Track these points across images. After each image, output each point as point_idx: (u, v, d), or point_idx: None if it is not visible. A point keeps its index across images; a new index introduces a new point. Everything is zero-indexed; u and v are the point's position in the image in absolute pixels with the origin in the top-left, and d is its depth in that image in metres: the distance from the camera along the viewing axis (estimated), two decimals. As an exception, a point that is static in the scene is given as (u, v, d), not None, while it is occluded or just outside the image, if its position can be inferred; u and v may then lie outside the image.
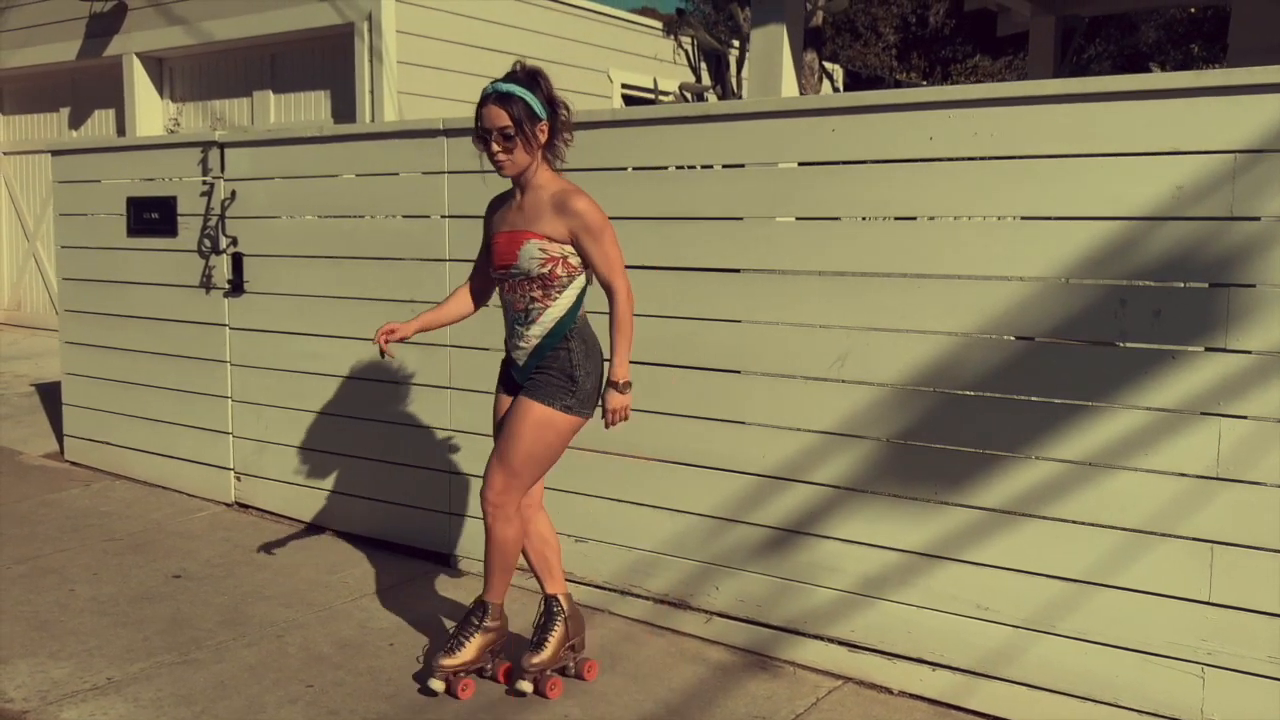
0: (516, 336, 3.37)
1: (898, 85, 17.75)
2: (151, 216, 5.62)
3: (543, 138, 3.26)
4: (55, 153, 6.24)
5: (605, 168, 4.02)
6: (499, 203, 3.47)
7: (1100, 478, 3.11)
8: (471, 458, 4.48)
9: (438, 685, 3.41)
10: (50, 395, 7.57)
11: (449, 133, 4.43)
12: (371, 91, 8.18)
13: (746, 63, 10.31)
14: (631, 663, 3.66)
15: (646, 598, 4.02)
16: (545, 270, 3.26)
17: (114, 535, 4.95)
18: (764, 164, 3.67)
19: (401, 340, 3.50)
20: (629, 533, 4.06)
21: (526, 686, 3.40)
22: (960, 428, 3.33)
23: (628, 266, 3.31)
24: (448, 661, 3.40)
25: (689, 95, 10.06)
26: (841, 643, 3.57)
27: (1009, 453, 3.25)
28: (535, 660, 3.41)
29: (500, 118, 3.20)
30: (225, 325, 5.39)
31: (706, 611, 3.86)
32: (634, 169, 3.99)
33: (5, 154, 11.96)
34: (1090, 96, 3.06)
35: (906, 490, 3.43)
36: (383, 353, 3.48)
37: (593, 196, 3.26)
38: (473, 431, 4.47)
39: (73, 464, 6.22)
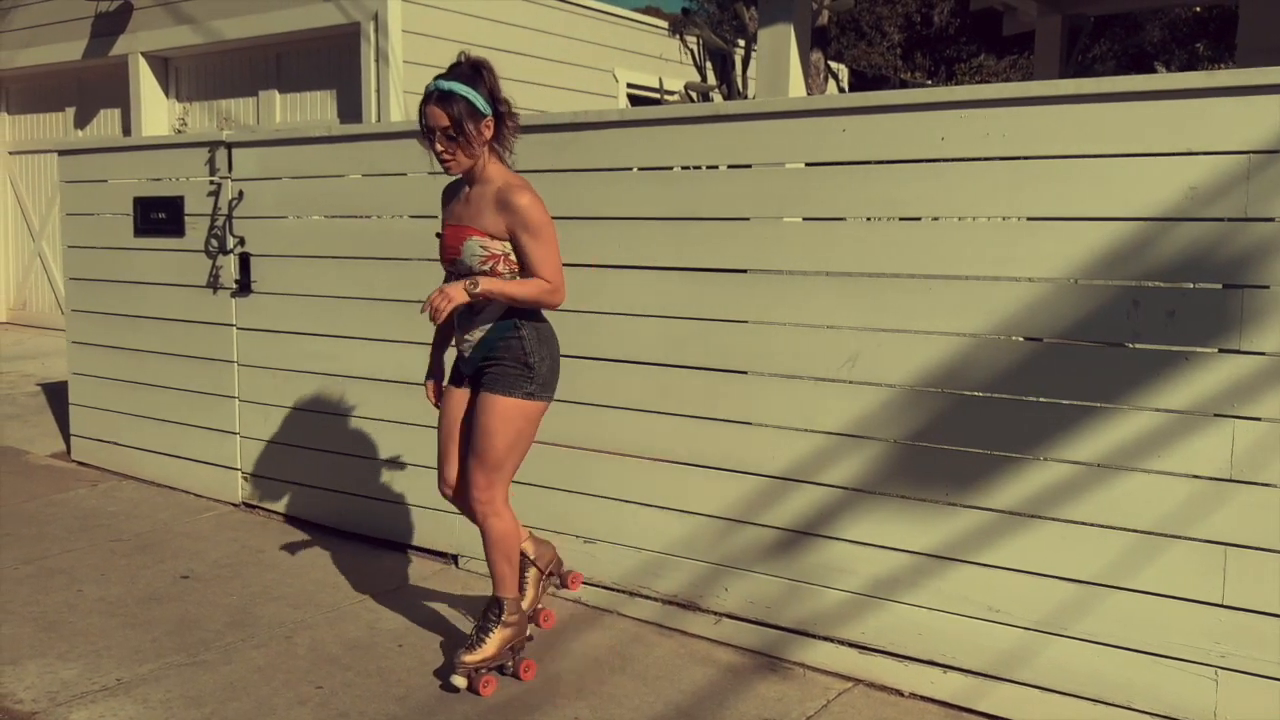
0: (463, 330, 3.40)
1: (903, 85, 17.74)
2: (158, 216, 5.62)
3: (487, 134, 3.28)
4: (62, 152, 6.24)
5: (615, 168, 4.01)
6: (452, 191, 3.50)
7: (1112, 479, 3.10)
8: (479, 458, 4.48)
9: (460, 681, 3.40)
10: (56, 395, 7.57)
11: (457, 133, 4.42)
12: (377, 91, 8.18)
13: (752, 62, 10.30)
14: (641, 664, 3.65)
15: (655, 599, 4.01)
16: (487, 268, 3.28)
17: (121, 535, 4.95)
18: (775, 164, 3.66)
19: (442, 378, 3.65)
20: (637, 534, 4.05)
21: (460, 682, 3.40)
22: (971, 429, 3.32)
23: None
24: (470, 658, 3.40)
25: (694, 95, 10.04)
26: (852, 644, 3.56)
27: (1020, 454, 3.24)
28: (470, 658, 3.40)
29: (441, 118, 3.21)
30: (232, 325, 5.38)
31: (715, 613, 3.85)
32: (640, 169, 3.97)
33: (11, 153, 11.97)
34: (1103, 97, 3.05)
35: (917, 492, 3.42)
36: (437, 405, 3.61)
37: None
38: (481, 432, 4.46)
39: (79, 464, 6.22)
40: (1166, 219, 2.98)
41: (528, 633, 3.55)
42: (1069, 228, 3.13)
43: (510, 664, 3.50)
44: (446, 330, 3.61)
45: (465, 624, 3.96)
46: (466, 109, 3.20)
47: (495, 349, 3.33)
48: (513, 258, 3.29)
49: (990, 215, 3.27)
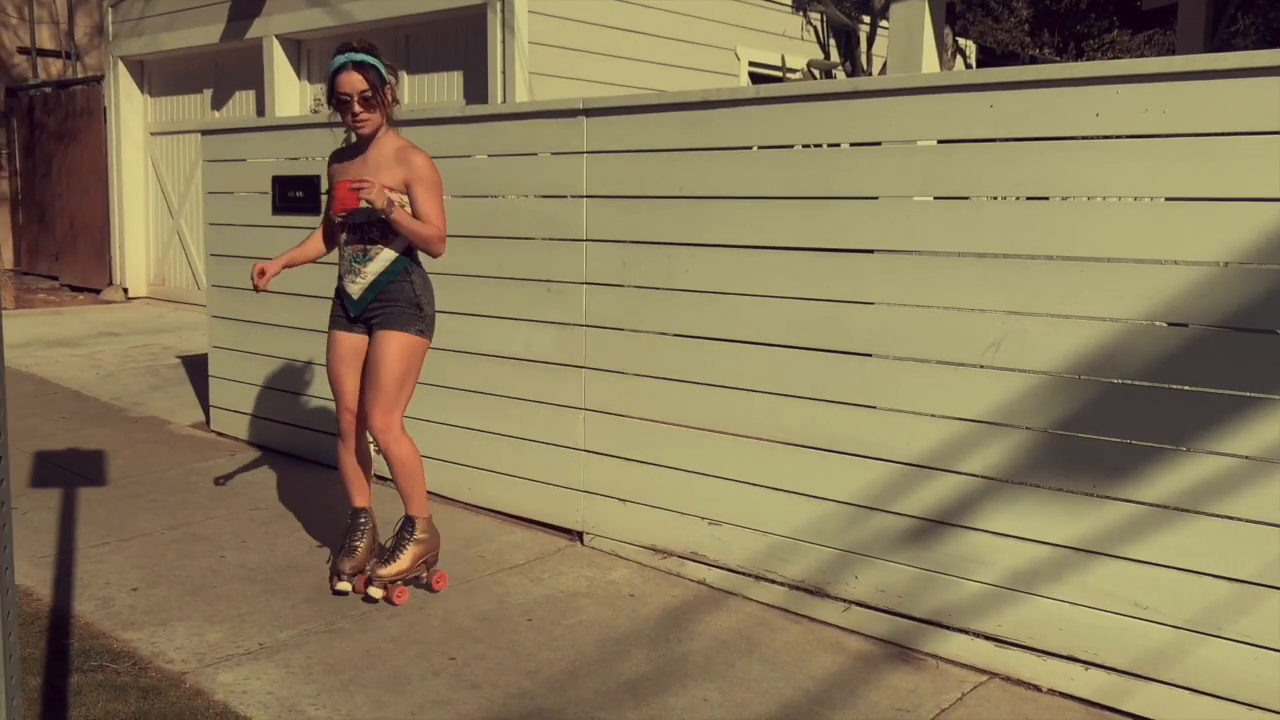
0: (354, 273, 3.86)
1: (1032, 61, 17.18)
2: (296, 194, 5.76)
3: (391, 98, 3.80)
4: (205, 132, 6.45)
5: (748, 146, 3.96)
6: (341, 155, 3.96)
7: (1275, 474, 2.94)
8: (605, 437, 4.49)
9: (376, 593, 3.85)
10: (195, 367, 7.87)
11: (589, 113, 4.43)
12: (503, 72, 8.25)
13: (876, 39, 10.09)
14: (768, 648, 3.62)
15: (781, 584, 3.96)
16: (384, 216, 3.70)
17: (258, 505, 5.11)
18: (923, 141, 3.56)
19: (272, 277, 3.93)
20: (764, 517, 4.01)
21: (377, 593, 3.86)
22: (1123, 418, 3.19)
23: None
24: (385, 571, 3.87)
25: (818, 72, 9.89)
26: (988, 637, 3.46)
27: (1175, 446, 3.10)
28: (385, 571, 3.88)
29: (360, 83, 3.70)
30: (365, 302, 5.49)
31: (845, 600, 3.80)
32: (771, 147, 3.91)
33: (152, 134, 12.46)
34: (1276, 70, 2.88)
35: (1062, 483, 3.30)
36: (256, 289, 3.93)
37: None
38: (608, 411, 4.47)
39: (218, 434, 6.44)
40: (1344, 200, 2.81)
41: (432, 554, 4.00)
42: (1236, 209, 2.97)
43: (424, 576, 3.97)
44: (311, 251, 4.09)
45: (590, 600, 3.98)
46: (377, 76, 3.73)
47: (385, 290, 3.81)
48: (408, 208, 3.77)
49: (1150, 195, 3.12)
